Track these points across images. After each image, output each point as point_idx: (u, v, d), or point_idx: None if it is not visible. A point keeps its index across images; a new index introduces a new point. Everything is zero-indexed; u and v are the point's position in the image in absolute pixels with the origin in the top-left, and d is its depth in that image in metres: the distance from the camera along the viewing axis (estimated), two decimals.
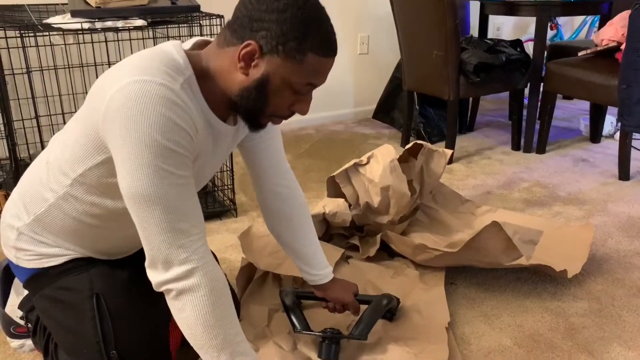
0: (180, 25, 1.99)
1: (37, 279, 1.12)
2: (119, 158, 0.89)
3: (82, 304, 1.08)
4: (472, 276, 1.67)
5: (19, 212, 1.10)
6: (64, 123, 2.16)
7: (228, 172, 2.07)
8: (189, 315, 0.92)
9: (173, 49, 0.95)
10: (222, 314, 0.94)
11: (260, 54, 0.92)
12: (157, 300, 1.02)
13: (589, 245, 1.69)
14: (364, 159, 1.81)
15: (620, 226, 2.00)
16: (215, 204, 2.11)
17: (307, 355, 1.27)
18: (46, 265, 1.10)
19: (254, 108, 0.97)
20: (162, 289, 0.93)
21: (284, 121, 1.03)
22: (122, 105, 0.86)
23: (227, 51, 0.95)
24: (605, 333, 1.41)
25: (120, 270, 1.14)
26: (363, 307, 1.35)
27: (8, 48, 1.76)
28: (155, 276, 0.92)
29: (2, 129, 1.97)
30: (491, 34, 3.82)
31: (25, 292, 1.29)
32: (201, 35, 1.90)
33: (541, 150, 2.81)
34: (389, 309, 1.39)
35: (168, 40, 2.12)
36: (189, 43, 1.03)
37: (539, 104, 2.77)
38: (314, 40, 0.91)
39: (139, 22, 1.83)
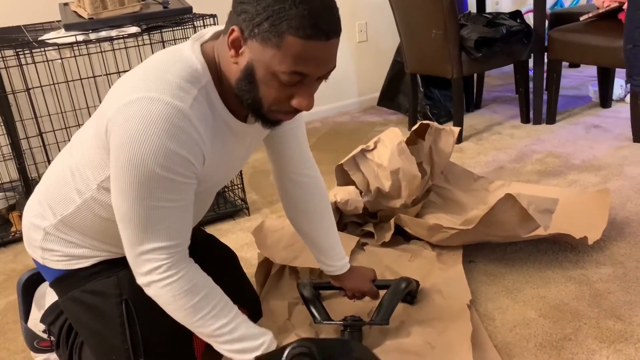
0: (173, 29, 1.98)
1: (65, 280, 1.10)
2: (113, 170, 0.89)
3: (111, 310, 1.07)
4: (491, 252, 1.65)
5: (43, 212, 1.07)
6: (69, 139, 2.17)
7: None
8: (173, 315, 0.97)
9: (192, 52, 0.89)
10: (194, 311, 0.95)
11: (243, 40, 0.84)
12: None
13: (608, 210, 1.66)
14: (370, 144, 1.79)
15: (639, 188, 1.96)
16: (227, 204, 2.10)
17: None
18: (74, 267, 1.08)
19: (252, 101, 0.89)
20: None
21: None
22: (125, 121, 0.84)
23: (225, 40, 0.88)
24: (632, 296, 1.38)
25: None
26: (382, 292, 1.34)
27: (6, 67, 1.77)
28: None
29: (10, 150, 1.98)
30: (490, 8, 3.76)
31: (46, 305, 1.29)
32: None
33: (551, 120, 2.76)
34: (409, 292, 1.37)
35: (163, 45, 2.13)
36: (209, 33, 0.95)
37: (545, 74, 2.73)
38: (290, 20, 0.79)
39: (133, 29, 1.83)
